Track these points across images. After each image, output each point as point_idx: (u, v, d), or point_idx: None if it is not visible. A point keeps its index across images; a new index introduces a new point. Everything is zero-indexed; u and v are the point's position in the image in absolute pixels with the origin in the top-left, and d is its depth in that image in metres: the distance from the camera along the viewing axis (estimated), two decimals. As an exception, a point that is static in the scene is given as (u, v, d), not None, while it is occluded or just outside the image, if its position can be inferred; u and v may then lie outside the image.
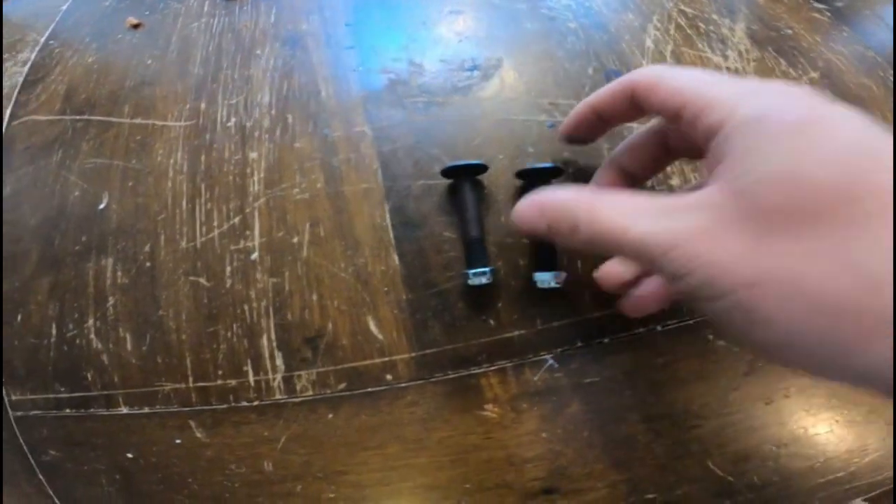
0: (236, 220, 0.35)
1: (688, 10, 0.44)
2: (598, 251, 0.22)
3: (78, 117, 0.40)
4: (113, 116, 0.40)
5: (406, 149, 0.35)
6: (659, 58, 0.39)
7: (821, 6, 0.45)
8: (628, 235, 0.19)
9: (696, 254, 0.18)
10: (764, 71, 0.40)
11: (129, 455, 0.34)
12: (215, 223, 0.35)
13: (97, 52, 0.44)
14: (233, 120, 0.38)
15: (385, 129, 0.36)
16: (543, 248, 0.32)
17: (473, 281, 0.30)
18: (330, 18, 0.42)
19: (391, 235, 0.33)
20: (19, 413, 0.36)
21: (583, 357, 0.32)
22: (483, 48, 0.39)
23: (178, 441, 0.33)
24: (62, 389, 0.35)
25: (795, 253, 0.16)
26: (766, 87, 0.20)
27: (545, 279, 0.30)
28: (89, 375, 0.35)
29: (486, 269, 0.30)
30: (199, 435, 0.33)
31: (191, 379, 0.34)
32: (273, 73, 0.39)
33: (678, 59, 0.40)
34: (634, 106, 0.25)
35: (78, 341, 0.35)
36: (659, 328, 0.32)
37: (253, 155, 0.36)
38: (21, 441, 0.36)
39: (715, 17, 0.43)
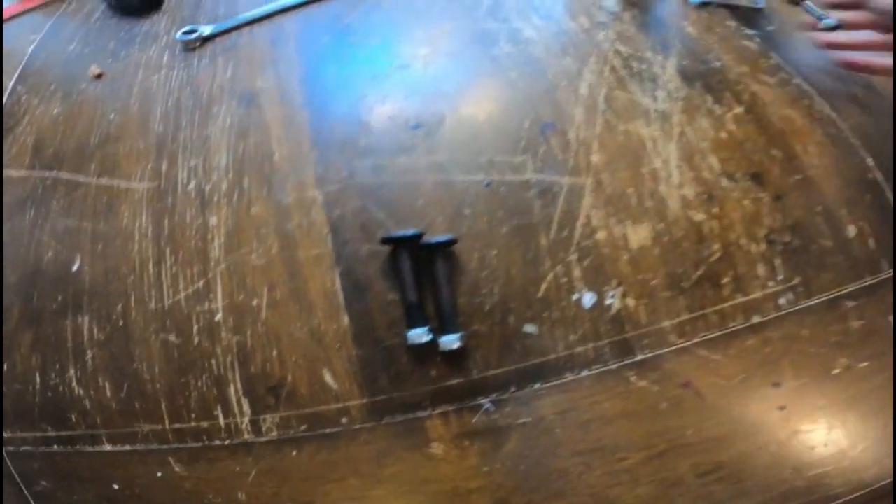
0: (200, 283, 0.39)
1: (623, 49, 0.46)
2: None
3: (47, 174, 0.43)
4: (80, 174, 0.43)
5: (353, 213, 0.39)
6: (591, 104, 0.42)
7: (752, 32, 0.47)
8: None
9: None
10: (691, 110, 0.43)
11: (115, 486, 0.38)
12: (181, 286, 0.39)
13: (62, 103, 0.47)
14: (192, 183, 0.41)
15: (334, 192, 0.40)
16: (447, 311, 0.36)
17: (412, 341, 0.35)
18: (284, 74, 0.45)
19: (341, 298, 0.37)
20: (10, 448, 0.40)
21: (516, 401, 0.36)
22: (428, 104, 0.42)
23: (158, 474, 0.38)
24: (49, 429, 0.40)
25: None
26: None
27: (448, 342, 0.35)
28: (73, 417, 0.39)
29: (423, 330, 0.35)
30: (177, 469, 0.38)
31: (167, 421, 0.38)
32: (230, 133, 0.42)
33: (610, 104, 0.43)
34: None
35: (61, 389, 0.40)
36: (586, 373, 0.37)
37: (213, 220, 0.40)
38: (13, 472, 0.40)
39: (649, 54, 0.46)
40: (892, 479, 0.33)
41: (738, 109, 0.43)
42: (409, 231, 0.35)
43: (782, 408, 0.35)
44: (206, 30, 0.50)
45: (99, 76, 0.47)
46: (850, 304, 0.37)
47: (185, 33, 0.50)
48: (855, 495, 0.33)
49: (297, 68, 0.45)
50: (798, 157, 0.41)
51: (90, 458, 0.39)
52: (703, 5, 0.45)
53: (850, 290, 0.37)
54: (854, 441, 0.34)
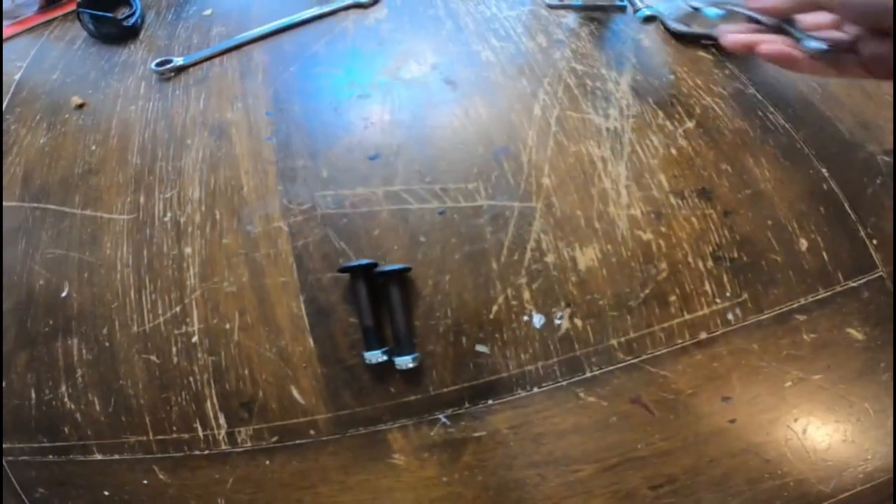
0: (177, 309, 0.44)
1: (578, 67, 0.50)
2: None
3: (35, 205, 0.49)
4: (66, 206, 0.48)
5: (316, 243, 0.44)
6: (544, 126, 0.46)
7: (709, 42, 0.49)
8: None
9: None
10: (642, 127, 0.46)
11: (106, 493, 0.44)
12: (160, 311, 0.44)
13: (47, 133, 0.52)
14: (168, 215, 0.47)
15: (298, 224, 0.45)
16: (402, 334, 0.41)
17: (370, 361, 0.40)
18: (253, 106, 0.50)
19: (306, 322, 0.43)
20: (10, 458, 0.47)
21: (471, 416, 0.41)
22: (386, 134, 0.47)
23: (145, 482, 0.43)
24: (44, 440, 0.45)
25: None
26: None
27: (403, 362, 0.40)
28: (66, 429, 0.45)
29: (379, 351, 0.40)
30: (162, 477, 0.43)
31: (151, 433, 0.44)
32: (202, 166, 0.47)
33: (562, 125, 0.46)
34: None
35: (54, 403, 0.45)
36: (536, 389, 0.42)
37: (188, 250, 0.45)
38: (14, 480, 0.47)
39: (603, 71, 0.49)
40: (885, 479, 0.36)
41: (689, 124, 0.46)
42: (364, 261, 0.41)
43: (733, 421, 0.38)
44: (179, 60, 0.55)
45: (81, 106, 0.53)
46: (802, 317, 0.40)
47: (159, 64, 0.55)
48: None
49: (264, 101, 0.50)
50: (749, 171, 0.44)
51: (82, 467, 0.44)
52: (648, 19, 0.48)
53: (801, 303, 0.40)
54: (810, 452, 0.37)
